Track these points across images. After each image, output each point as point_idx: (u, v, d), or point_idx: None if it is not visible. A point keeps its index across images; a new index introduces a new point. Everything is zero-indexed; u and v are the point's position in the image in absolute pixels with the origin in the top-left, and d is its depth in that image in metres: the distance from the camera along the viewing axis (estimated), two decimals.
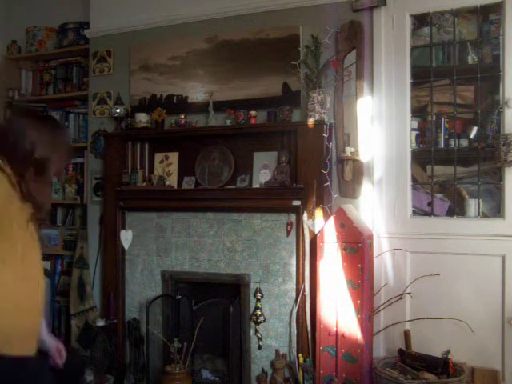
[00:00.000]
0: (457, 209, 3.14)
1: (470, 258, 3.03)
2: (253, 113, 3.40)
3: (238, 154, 3.52)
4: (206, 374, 3.58)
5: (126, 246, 3.75)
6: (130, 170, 3.72)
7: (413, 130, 3.21)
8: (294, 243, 3.29)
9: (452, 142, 3.15)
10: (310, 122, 3.19)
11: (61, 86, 4.34)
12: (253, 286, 3.40)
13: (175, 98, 3.72)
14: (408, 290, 3.13)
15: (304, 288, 3.22)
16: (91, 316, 3.88)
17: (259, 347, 3.39)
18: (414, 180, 3.24)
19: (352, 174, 3.24)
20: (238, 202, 3.38)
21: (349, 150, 3.20)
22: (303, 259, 3.23)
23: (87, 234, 4.01)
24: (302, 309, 3.24)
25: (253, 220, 3.42)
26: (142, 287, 3.74)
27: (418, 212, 3.24)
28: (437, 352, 2.97)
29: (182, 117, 3.59)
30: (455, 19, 3.12)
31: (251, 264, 3.43)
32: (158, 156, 3.74)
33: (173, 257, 3.65)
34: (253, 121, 3.40)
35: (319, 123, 3.18)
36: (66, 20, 4.20)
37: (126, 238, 3.74)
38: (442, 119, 3.17)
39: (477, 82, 3.08)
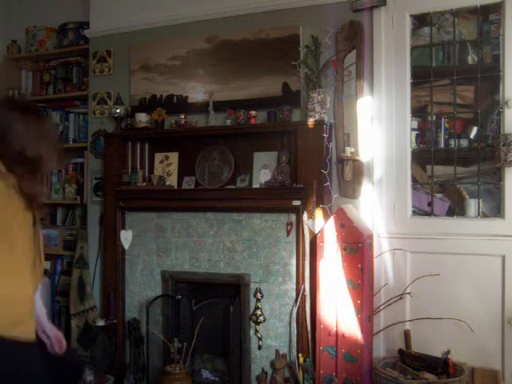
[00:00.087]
0: (457, 209, 3.14)
1: (470, 258, 3.03)
2: (253, 113, 3.40)
3: (237, 154, 3.52)
4: (206, 373, 3.58)
5: (126, 246, 3.75)
6: (129, 170, 3.72)
7: (413, 129, 3.21)
8: (294, 243, 3.29)
9: (452, 142, 3.15)
10: (310, 122, 3.19)
11: (61, 86, 4.33)
12: (253, 286, 3.40)
13: (175, 98, 3.72)
14: (408, 290, 3.13)
15: (304, 288, 3.22)
16: (91, 316, 3.88)
17: (259, 347, 3.39)
18: (414, 180, 3.24)
19: (352, 174, 3.24)
20: (238, 202, 3.38)
21: (349, 150, 3.20)
22: (303, 259, 3.23)
23: (87, 233, 4.01)
24: (301, 309, 3.24)
25: (253, 220, 3.42)
26: (142, 287, 3.74)
27: (417, 212, 3.24)
28: (437, 352, 2.97)
29: (182, 117, 3.59)
30: (455, 19, 3.12)
31: (251, 264, 3.43)
32: (158, 156, 3.74)
33: (173, 257, 3.65)
34: (253, 121, 3.40)
35: (319, 123, 3.18)
36: (66, 20, 4.20)
37: (126, 238, 3.74)
38: (442, 119, 3.17)
39: (477, 82, 3.08)
